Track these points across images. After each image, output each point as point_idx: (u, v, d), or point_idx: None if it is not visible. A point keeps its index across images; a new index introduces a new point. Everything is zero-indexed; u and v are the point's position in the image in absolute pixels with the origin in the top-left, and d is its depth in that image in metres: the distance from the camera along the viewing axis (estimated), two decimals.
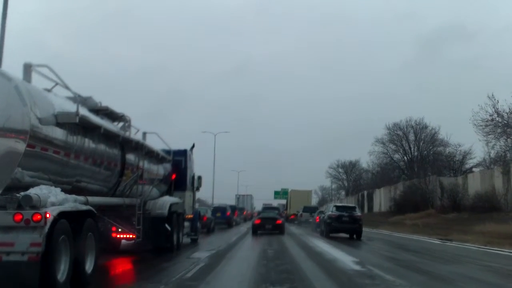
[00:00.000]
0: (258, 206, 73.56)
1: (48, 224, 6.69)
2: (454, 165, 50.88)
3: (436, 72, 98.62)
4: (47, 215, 6.71)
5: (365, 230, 29.29)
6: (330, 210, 25.89)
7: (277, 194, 77.89)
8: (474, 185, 34.04)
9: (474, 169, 46.60)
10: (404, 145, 58.22)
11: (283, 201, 71.62)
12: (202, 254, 14.29)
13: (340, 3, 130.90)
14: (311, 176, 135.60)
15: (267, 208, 42.31)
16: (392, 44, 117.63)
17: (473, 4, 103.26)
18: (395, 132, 58.14)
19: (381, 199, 55.66)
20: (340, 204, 30.18)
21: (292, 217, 50.77)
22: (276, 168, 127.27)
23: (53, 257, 6.85)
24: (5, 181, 7.17)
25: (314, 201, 76.45)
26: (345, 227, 24.12)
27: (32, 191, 7.07)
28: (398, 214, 41.29)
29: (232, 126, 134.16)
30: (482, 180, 33.42)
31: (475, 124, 33.07)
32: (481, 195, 30.91)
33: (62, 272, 7.17)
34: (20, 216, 6.60)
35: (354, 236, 23.74)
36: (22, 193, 6.90)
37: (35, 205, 6.84)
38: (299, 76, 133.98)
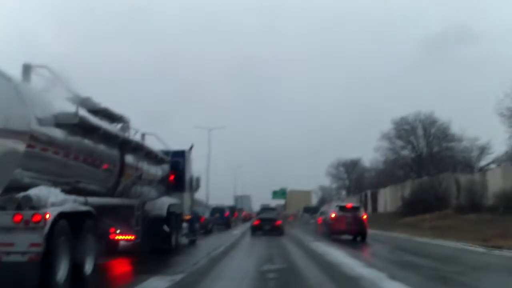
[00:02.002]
0: (256, 207, 73.56)
1: (48, 224, 6.73)
2: (471, 161, 47.49)
3: (441, 71, 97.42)
4: (47, 216, 6.74)
5: (378, 233, 26.94)
6: (332, 210, 24.48)
7: (275, 194, 77.09)
8: (495, 182, 30.90)
9: (491, 165, 43.75)
10: (412, 140, 53.90)
11: (282, 201, 71.34)
12: (158, 284, 8.95)
13: (344, 5, 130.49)
14: (310, 176, 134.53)
15: (265, 208, 42.35)
16: (396, 44, 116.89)
17: (478, 5, 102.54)
18: (402, 127, 53.94)
19: (387, 199, 52.80)
20: (343, 204, 28.60)
21: (290, 218, 50.24)
22: (274, 167, 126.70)
23: (52, 258, 6.88)
24: (5, 181, 7.19)
25: (313, 201, 75.52)
26: (348, 229, 22.60)
27: (31, 192, 7.09)
28: (409, 215, 37.64)
29: (229, 125, 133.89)
30: (504, 176, 30.29)
31: (500, 114, 30.12)
32: (507, 193, 27.83)
33: (61, 272, 7.21)
34: (20, 217, 6.63)
35: (358, 238, 22.40)
36: (22, 194, 6.94)
37: (35, 205, 6.88)
38: (300, 76, 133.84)
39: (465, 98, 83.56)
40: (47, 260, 6.73)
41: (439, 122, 52.30)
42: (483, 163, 47.34)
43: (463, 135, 48.47)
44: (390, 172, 57.46)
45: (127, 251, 13.38)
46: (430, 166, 49.56)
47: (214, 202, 55.37)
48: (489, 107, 30.35)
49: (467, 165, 47.14)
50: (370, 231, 24.10)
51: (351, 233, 22.96)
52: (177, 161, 16.88)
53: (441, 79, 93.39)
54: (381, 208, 54.42)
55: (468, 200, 32.73)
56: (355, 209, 24.44)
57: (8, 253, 6.49)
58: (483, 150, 46.89)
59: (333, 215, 23.27)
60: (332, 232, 23.07)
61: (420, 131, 53.53)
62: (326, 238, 23.70)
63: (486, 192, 31.66)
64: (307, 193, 56.85)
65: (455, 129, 50.37)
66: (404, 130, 54.13)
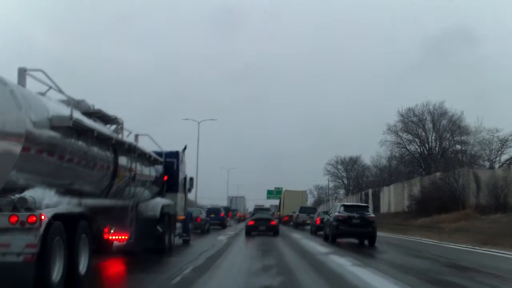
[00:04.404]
0: (251, 207, 73.54)
1: (43, 225, 6.88)
2: (491, 155, 42.07)
3: (442, 73, 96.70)
4: (42, 217, 6.90)
5: (390, 236, 24.68)
6: (337, 210, 21.55)
7: (270, 194, 76.00)
8: None
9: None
10: (420, 134, 49.09)
11: (276, 202, 71.00)
12: None
13: (345, 8, 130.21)
14: (306, 175, 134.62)
15: (259, 209, 42.13)
16: (396, 47, 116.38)
17: (479, 8, 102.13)
18: (409, 119, 49.32)
19: (391, 198, 49.49)
20: (349, 203, 26.58)
21: (285, 218, 49.47)
22: (269, 167, 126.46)
23: (48, 258, 7.04)
24: (1, 183, 7.33)
25: (309, 201, 74.44)
26: (355, 231, 20.21)
27: (27, 193, 7.25)
28: (421, 215, 34.67)
29: (225, 124, 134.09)
30: None
31: None
32: None
33: (56, 272, 7.37)
34: (16, 218, 6.78)
35: (366, 241, 20.13)
36: (17, 195, 7.09)
37: (30, 207, 7.04)
38: (299, 75, 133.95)
39: (472, 94, 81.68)
40: (42, 261, 6.89)
41: (450, 113, 47.79)
42: (504, 157, 42.45)
43: (480, 127, 42.71)
44: (395, 169, 53.95)
45: (121, 251, 13.54)
46: (441, 161, 45.34)
47: (207, 202, 55.54)
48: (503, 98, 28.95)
49: (488, 159, 42.46)
50: (379, 234, 21.62)
51: (358, 236, 20.72)
52: (170, 162, 17.00)
53: (444, 78, 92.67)
54: (384, 208, 51.29)
55: (492, 198, 29.88)
56: (363, 208, 21.91)
57: (4, 254, 6.64)
58: (504, 142, 41.49)
59: (338, 216, 20.68)
60: (337, 235, 20.71)
61: (429, 124, 49.17)
62: (323, 239, 22.20)
63: (511, 189, 29.04)
64: (303, 193, 55.71)
65: (469, 120, 45.90)
66: (412, 122, 49.55)
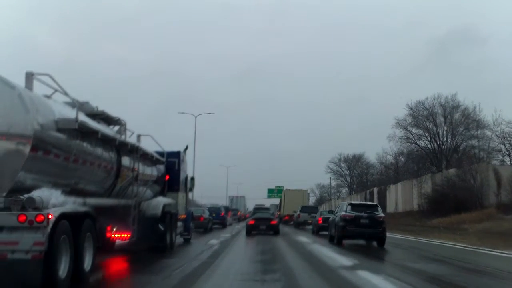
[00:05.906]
0: (251, 207, 73.74)
1: (50, 224, 7.18)
2: (511, 149, 39.59)
3: (444, 76, 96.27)
4: (49, 216, 7.20)
5: (406, 239, 22.75)
6: (343, 209, 20.13)
7: (271, 193, 75.63)
8: None
9: None
10: (430, 128, 45.66)
11: (276, 201, 70.91)
12: None
13: (348, 10, 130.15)
14: (308, 174, 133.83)
15: (259, 208, 42.30)
16: (401, 47, 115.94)
17: (484, 7, 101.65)
18: (419, 112, 45.98)
19: (398, 197, 47.11)
20: (357, 202, 25.40)
21: (286, 218, 49.19)
22: (269, 164, 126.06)
23: (54, 256, 7.34)
24: (10, 184, 7.61)
25: (311, 200, 73.62)
26: (363, 232, 18.83)
27: (34, 193, 7.54)
28: (436, 215, 32.08)
29: (224, 122, 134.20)
30: None
31: None
32: None
33: (62, 269, 7.67)
34: (24, 217, 7.07)
35: (375, 243, 19.03)
36: (26, 195, 7.38)
37: (38, 206, 7.34)
38: (300, 74, 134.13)
39: (483, 92, 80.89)
40: (49, 258, 7.18)
41: (463, 106, 44.24)
42: None
43: (498, 119, 39.64)
44: (403, 166, 51.49)
45: (124, 249, 13.83)
46: (454, 157, 42.63)
47: (206, 201, 55.71)
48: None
49: (506, 154, 40.12)
50: (395, 236, 20.76)
51: (367, 237, 19.44)
52: (172, 161, 17.23)
53: (451, 76, 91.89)
54: (391, 207, 48.72)
55: None
56: (371, 208, 20.58)
57: (13, 252, 6.93)
58: None
59: (345, 216, 19.31)
60: (344, 236, 19.41)
61: (440, 118, 45.57)
62: (329, 240, 20.88)
63: None
64: (304, 192, 55.07)
65: (484, 113, 42.50)
66: (422, 116, 46.19)
